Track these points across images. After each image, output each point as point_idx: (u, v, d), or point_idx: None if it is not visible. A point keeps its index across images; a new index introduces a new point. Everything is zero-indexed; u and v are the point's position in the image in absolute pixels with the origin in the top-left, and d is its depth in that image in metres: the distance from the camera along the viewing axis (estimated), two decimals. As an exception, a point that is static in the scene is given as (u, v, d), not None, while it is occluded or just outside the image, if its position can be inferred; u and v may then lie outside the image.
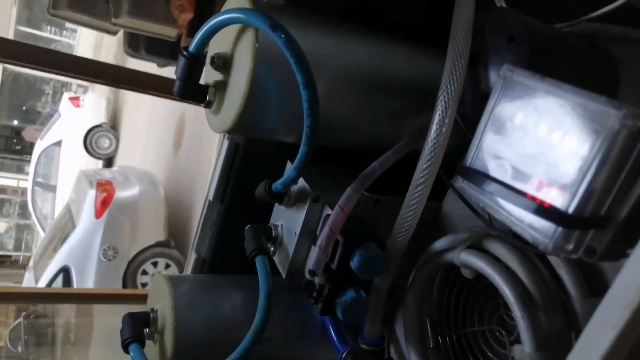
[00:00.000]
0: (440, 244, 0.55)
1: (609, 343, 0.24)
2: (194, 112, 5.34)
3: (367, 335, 0.58)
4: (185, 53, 0.52)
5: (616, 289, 0.27)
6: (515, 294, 0.44)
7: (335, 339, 0.62)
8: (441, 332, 0.59)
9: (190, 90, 0.54)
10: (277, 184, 0.55)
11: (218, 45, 0.55)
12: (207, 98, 0.55)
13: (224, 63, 0.54)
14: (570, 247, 0.30)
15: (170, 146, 5.93)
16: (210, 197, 0.71)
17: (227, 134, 0.69)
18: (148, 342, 0.61)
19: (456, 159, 0.49)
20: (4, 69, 8.98)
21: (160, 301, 0.62)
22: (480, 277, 0.57)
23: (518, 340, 0.45)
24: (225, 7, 0.55)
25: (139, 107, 7.17)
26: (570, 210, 0.30)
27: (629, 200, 0.30)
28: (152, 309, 0.62)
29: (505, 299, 0.45)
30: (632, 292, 0.25)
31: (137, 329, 0.59)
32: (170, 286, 0.61)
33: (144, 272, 4.60)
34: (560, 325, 0.44)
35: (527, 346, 0.42)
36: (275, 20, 0.47)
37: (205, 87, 0.55)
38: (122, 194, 4.79)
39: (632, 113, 0.30)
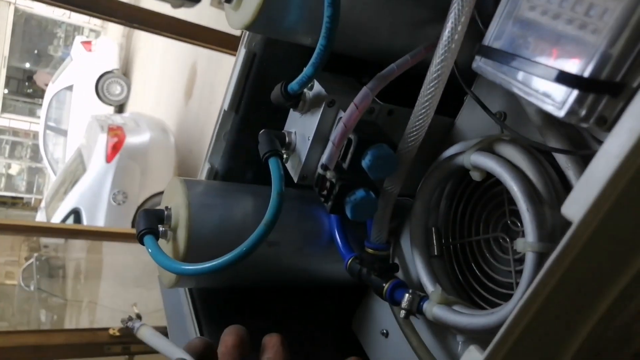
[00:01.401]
0: (451, 150, 0.55)
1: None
2: (206, 62, 5.30)
3: (373, 240, 0.60)
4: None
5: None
6: (522, 189, 0.45)
7: (341, 246, 0.64)
8: (445, 242, 0.60)
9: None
10: (294, 84, 0.56)
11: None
12: (228, -7, 0.55)
13: (245, -42, 0.53)
14: (583, 112, 0.31)
15: (182, 95, 5.91)
16: (226, 106, 0.72)
17: (244, 43, 0.69)
18: (161, 241, 0.63)
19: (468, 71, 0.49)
20: (16, 10, 8.88)
21: (174, 200, 0.64)
22: (488, 187, 0.58)
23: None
24: None
25: (151, 54, 7.11)
26: (586, 73, 0.31)
27: (645, 71, 0.30)
28: (167, 207, 0.64)
29: (512, 195, 0.46)
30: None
31: (152, 223, 0.61)
32: (185, 186, 0.63)
33: (153, 218, 4.68)
34: (564, 223, 0.45)
35: (530, 237, 0.43)
36: None
37: (226, -17, 0.55)
38: (133, 139, 4.83)
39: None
